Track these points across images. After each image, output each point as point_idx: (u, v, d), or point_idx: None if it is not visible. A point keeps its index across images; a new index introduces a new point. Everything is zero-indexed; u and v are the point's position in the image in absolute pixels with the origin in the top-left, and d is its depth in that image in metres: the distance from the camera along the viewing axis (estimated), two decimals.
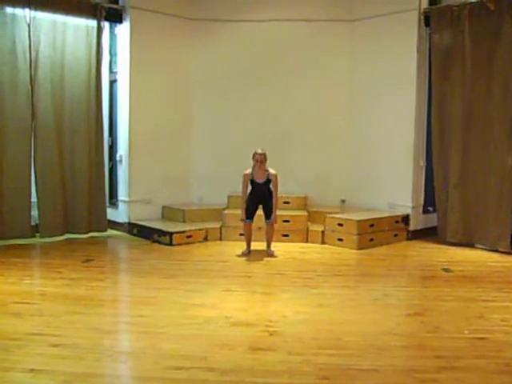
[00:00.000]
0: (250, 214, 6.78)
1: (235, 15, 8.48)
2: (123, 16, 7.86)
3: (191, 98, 8.62)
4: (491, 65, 7.04)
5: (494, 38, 6.99)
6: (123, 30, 7.93)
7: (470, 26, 7.17)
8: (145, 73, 7.99)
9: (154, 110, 8.16)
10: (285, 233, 7.52)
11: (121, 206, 8.18)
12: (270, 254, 6.73)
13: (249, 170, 6.74)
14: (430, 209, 8.13)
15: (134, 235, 7.85)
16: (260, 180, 6.70)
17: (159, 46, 8.16)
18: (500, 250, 6.98)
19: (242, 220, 6.81)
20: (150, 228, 7.62)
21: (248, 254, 6.79)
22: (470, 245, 7.32)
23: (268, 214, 6.76)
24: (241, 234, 7.45)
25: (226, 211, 7.83)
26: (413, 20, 7.71)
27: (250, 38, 8.50)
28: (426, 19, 7.68)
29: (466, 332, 4.09)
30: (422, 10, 7.69)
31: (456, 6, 7.32)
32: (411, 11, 7.71)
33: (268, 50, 8.47)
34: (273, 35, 8.47)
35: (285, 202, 8.00)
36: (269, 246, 6.86)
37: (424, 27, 7.73)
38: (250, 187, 6.79)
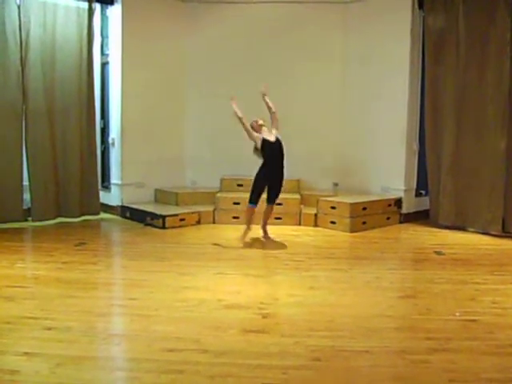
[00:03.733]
0: (255, 197, 6.38)
1: None
2: None
3: (185, 80, 8.57)
4: (485, 48, 7.03)
5: (488, 21, 6.97)
6: (115, 11, 7.85)
7: (464, 10, 7.15)
8: (137, 55, 7.93)
9: (146, 92, 8.11)
10: (278, 216, 7.51)
11: (113, 189, 8.16)
12: (266, 236, 6.68)
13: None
14: (423, 192, 8.16)
15: (127, 218, 7.84)
16: (271, 138, 6.42)
17: (152, 28, 8.10)
18: (491, 233, 7.02)
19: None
20: (142, 211, 7.60)
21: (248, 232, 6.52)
22: (461, 228, 7.36)
23: (272, 199, 6.56)
24: (234, 217, 7.49)
25: (218, 194, 7.83)
26: (406, 3, 7.67)
27: (243, 20, 8.43)
28: (420, 2, 7.65)
29: (457, 314, 4.12)
30: None
31: None
32: None
33: (261, 32, 8.41)
34: (266, 17, 8.41)
35: None
36: (264, 225, 6.71)
37: (418, 10, 7.70)
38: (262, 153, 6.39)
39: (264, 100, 6.58)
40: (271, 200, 6.58)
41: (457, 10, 7.21)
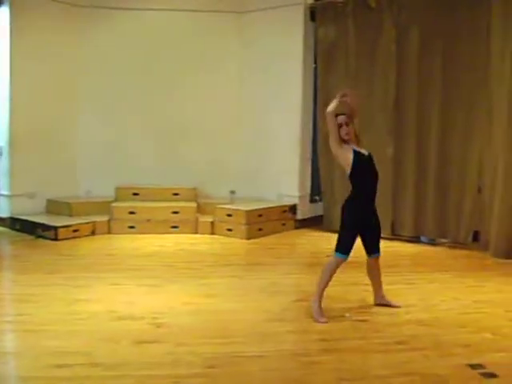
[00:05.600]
0: (350, 245, 4.29)
1: (122, 3, 8.26)
2: None
3: (78, 87, 8.31)
4: (373, 58, 7.38)
5: (376, 33, 7.32)
6: (2, 14, 7.51)
7: (353, 22, 7.48)
8: (27, 60, 7.61)
9: (37, 99, 7.80)
10: (174, 224, 7.47)
11: (2, 200, 7.77)
12: (388, 304, 4.56)
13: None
14: (317, 198, 8.38)
15: (17, 231, 7.49)
16: (364, 151, 4.35)
17: (43, 33, 7.81)
18: (382, 236, 7.28)
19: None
20: (33, 223, 7.30)
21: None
22: None
23: (374, 245, 4.56)
24: (130, 227, 7.35)
25: (113, 204, 7.67)
26: (299, 14, 7.91)
27: (137, 27, 8.33)
28: (312, 14, 7.90)
29: (347, 315, 4.27)
30: (307, 5, 7.89)
31: (340, 3, 7.58)
32: (298, 5, 7.90)
33: (157, 40, 8.33)
34: (161, 25, 8.36)
35: (174, 194, 7.99)
36: (380, 287, 4.62)
37: (310, 21, 7.94)
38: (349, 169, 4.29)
39: (353, 102, 4.33)
40: (371, 248, 4.56)
41: (346, 22, 7.53)
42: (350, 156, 4.23)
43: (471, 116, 6.79)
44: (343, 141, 4.29)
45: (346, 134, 4.27)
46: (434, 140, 7.04)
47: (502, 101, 6.32)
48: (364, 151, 4.35)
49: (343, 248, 4.27)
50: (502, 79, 6.29)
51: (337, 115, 4.25)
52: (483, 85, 6.62)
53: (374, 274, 4.59)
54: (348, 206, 4.37)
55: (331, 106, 4.21)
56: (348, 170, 4.27)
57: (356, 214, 4.33)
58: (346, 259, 4.30)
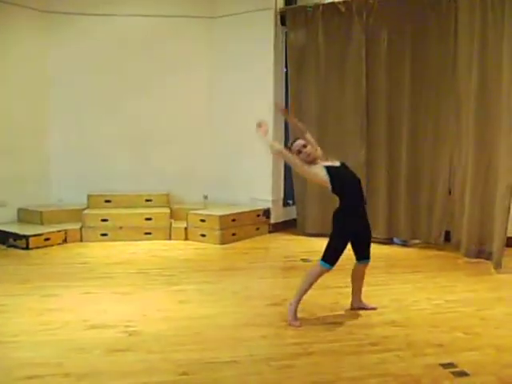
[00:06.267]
0: (336, 257, 4.24)
1: (91, 9, 8.17)
2: None
3: (47, 94, 8.19)
4: (343, 62, 7.43)
5: (345, 37, 7.37)
6: None
7: (323, 26, 7.51)
8: None
9: (6, 104, 7.67)
10: (147, 231, 7.42)
11: None
12: (364, 307, 4.60)
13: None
14: (290, 202, 8.40)
15: None
16: (335, 162, 4.38)
17: (9, 39, 7.68)
18: None
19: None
20: (3, 232, 7.18)
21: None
22: (327, 235, 7.52)
23: (365, 252, 4.46)
24: (102, 235, 7.29)
25: (85, 211, 7.59)
26: (270, 18, 7.93)
27: (108, 33, 8.24)
28: (282, 18, 7.93)
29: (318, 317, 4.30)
30: (277, 10, 7.92)
31: (310, 7, 7.63)
32: (268, 10, 7.92)
33: (126, 46, 8.27)
34: (131, 31, 8.30)
35: (147, 200, 7.94)
36: (360, 291, 4.64)
37: (280, 25, 7.97)
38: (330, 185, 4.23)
39: (291, 121, 4.96)
40: (363, 254, 4.49)
41: (316, 26, 7.56)
42: (323, 174, 4.19)
43: (441, 119, 6.88)
44: (309, 163, 4.26)
45: (307, 156, 4.24)
46: (404, 143, 7.11)
47: (469, 103, 6.39)
48: (336, 163, 4.33)
49: (330, 258, 4.22)
50: (469, 82, 6.37)
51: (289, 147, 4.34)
52: (451, 88, 6.72)
53: (358, 279, 4.56)
54: (337, 217, 4.31)
55: (276, 145, 4.50)
56: (328, 186, 4.22)
57: (345, 224, 4.29)
58: (330, 269, 4.24)
